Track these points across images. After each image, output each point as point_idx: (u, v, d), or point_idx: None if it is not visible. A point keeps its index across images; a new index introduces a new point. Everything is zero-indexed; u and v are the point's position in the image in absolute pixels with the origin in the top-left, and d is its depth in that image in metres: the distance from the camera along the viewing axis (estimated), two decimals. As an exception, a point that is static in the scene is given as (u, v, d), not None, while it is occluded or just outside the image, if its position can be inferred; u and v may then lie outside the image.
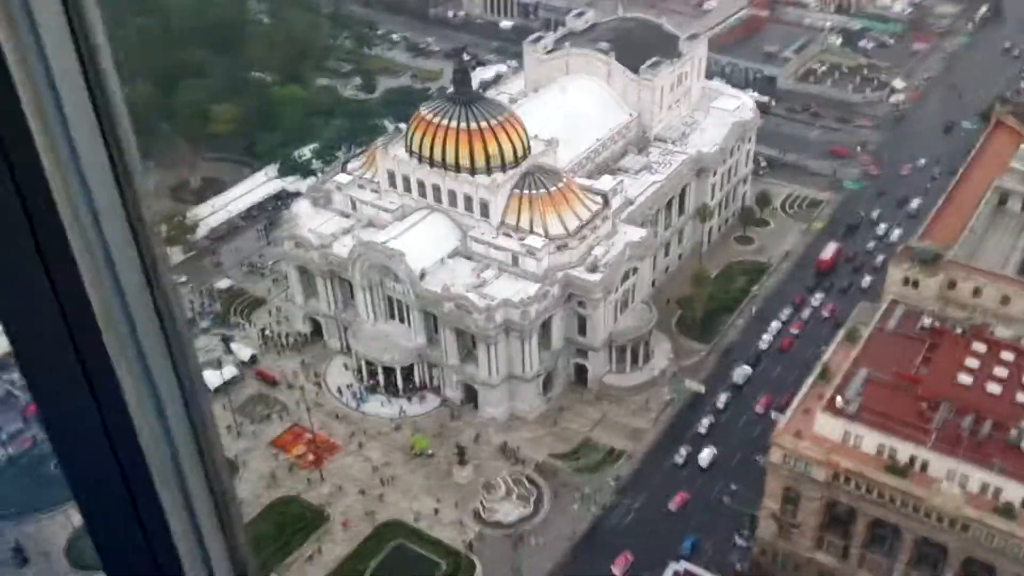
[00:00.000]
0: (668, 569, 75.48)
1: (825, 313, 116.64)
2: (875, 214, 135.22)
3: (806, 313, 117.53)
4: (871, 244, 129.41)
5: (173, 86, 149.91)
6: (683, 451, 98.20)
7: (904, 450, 73.42)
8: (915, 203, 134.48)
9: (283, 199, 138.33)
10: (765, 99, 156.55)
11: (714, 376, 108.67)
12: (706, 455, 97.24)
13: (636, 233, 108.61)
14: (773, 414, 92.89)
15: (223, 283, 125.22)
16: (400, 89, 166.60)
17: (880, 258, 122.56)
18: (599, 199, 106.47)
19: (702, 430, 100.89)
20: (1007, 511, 69.37)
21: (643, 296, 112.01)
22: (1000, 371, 77.14)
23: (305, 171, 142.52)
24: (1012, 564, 69.92)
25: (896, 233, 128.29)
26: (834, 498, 76.88)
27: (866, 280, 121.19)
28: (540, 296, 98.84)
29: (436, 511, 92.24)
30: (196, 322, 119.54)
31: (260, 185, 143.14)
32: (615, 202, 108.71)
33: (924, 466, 72.80)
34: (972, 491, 71.07)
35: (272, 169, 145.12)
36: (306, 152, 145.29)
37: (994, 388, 75.62)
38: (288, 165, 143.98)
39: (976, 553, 71.47)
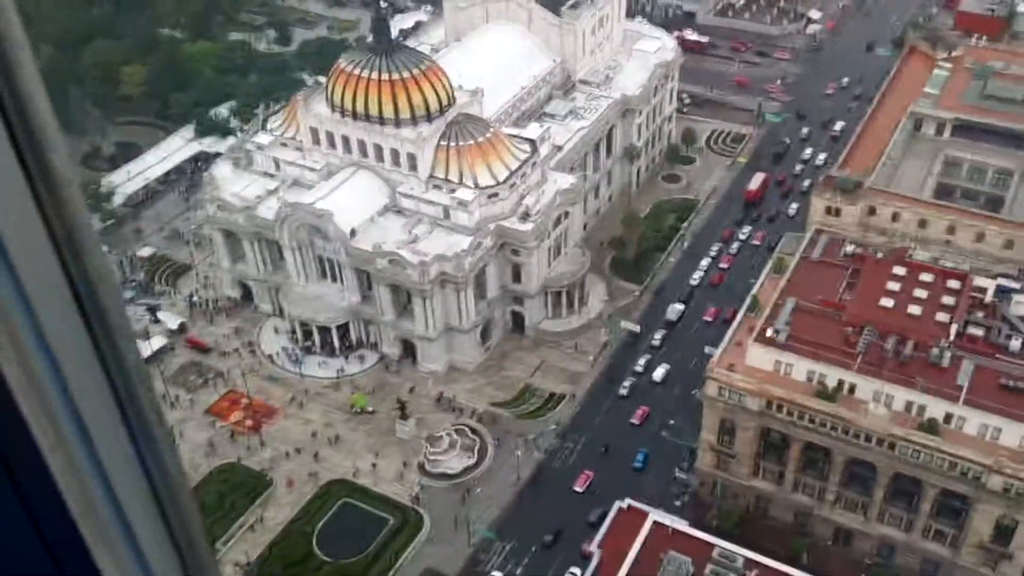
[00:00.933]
0: (614, 506, 77.08)
1: (756, 242, 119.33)
2: (804, 131, 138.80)
3: (735, 247, 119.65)
4: (798, 168, 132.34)
5: (79, 48, 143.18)
6: (627, 383, 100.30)
7: (832, 375, 75.77)
8: (839, 125, 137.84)
9: (202, 161, 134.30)
10: (704, 39, 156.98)
11: (648, 315, 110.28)
12: (660, 372, 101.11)
13: (566, 180, 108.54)
14: (707, 349, 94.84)
15: (145, 251, 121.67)
16: (317, 41, 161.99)
17: (807, 183, 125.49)
18: (527, 147, 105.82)
19: (639, 368, 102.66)
20: (930, 427, 72.35)
21: (575, 240, 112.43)
22: (920, 293, 79.78)
23: (223, 131, 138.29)
24: (936, 477, 73.21)
25: (821, 157, 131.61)
26: (768, 426, 79.19)
27: (793, 207, 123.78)
28: (473, 248, 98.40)
29: (375, 466, 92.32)
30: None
31: (177, 148, 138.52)
32: (543, 149, 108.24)
33: (852, 389, 75.31)
34: (897, 410, 73.88)
35: (188, 131, 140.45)
36: (223, 111, 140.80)
37: (915, 309, 78.26)
38: (205, 125, 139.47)
39: (903, 469, 74.59)
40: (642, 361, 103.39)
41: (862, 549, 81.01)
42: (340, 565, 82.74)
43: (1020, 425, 70.15)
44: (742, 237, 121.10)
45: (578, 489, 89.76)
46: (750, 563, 63.52)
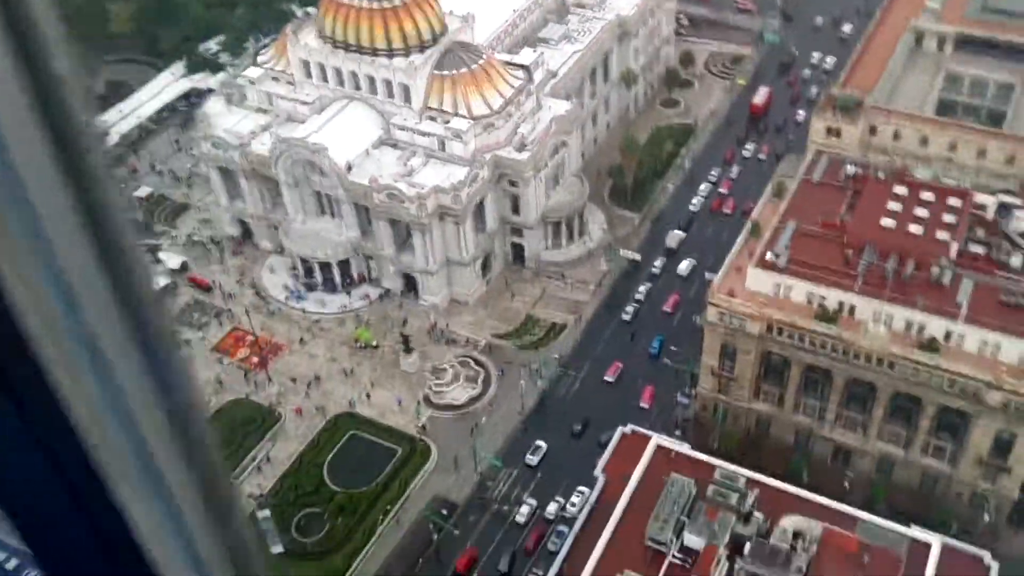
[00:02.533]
0: (616, 431, 78.11)
1: (761, 156, 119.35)
2: (818, 21, 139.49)
3: (735, 171, 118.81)
4: (807, 73, 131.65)
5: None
6: (629, 309, 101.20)
7: (832, 297, 75.99)
8: (847, 27, 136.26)
9: (194, 98, 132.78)
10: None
11: (648, 242, 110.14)
12: (684, 265, 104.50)
13: (561, 106, 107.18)
14: (707, 275, 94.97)
15: (142, 191, 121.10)
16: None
17: (814, 89, 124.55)
18: (521, 74, 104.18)
19: (640, 296, 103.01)
20: (930, 345, 72.84)
21: (574, 169, 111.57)
22: (921, 212, 79.44)
23: (214, 66, 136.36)
24: (936, 394, 74.02)
25: (830, 60, 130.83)
26: (768, 349, 79.75)
27: (801, 114, 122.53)
28: (470, 180, 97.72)
29: (369, 397, 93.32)
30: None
31: (168, 85, 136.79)
32: (537, 75, 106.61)
33: (852, 310, 75.61)
34: (897, 330, 74.30)
35: (179, 67, 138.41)
36: (212, 46, 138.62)
37: (915, 228, 78.03)
38: (195, 61, 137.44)
39: (902, 388, 75.36)
40: (642, 289, 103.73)
41: (861, 466, 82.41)
42: (351, 495, 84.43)
43: (1019, 341, 70.63)
44: (746, 154, 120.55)
45: (609, 379, 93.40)
46: (752, 483, 64.49)
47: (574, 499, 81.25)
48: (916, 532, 61.47)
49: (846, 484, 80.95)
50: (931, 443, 78.06)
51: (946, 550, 60.43)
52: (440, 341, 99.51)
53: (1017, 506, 77.93)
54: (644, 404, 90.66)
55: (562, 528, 78.18)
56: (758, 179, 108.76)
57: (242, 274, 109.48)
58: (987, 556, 61.72)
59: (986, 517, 77.78)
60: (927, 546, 60.05)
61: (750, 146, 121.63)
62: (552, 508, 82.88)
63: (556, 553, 67.99)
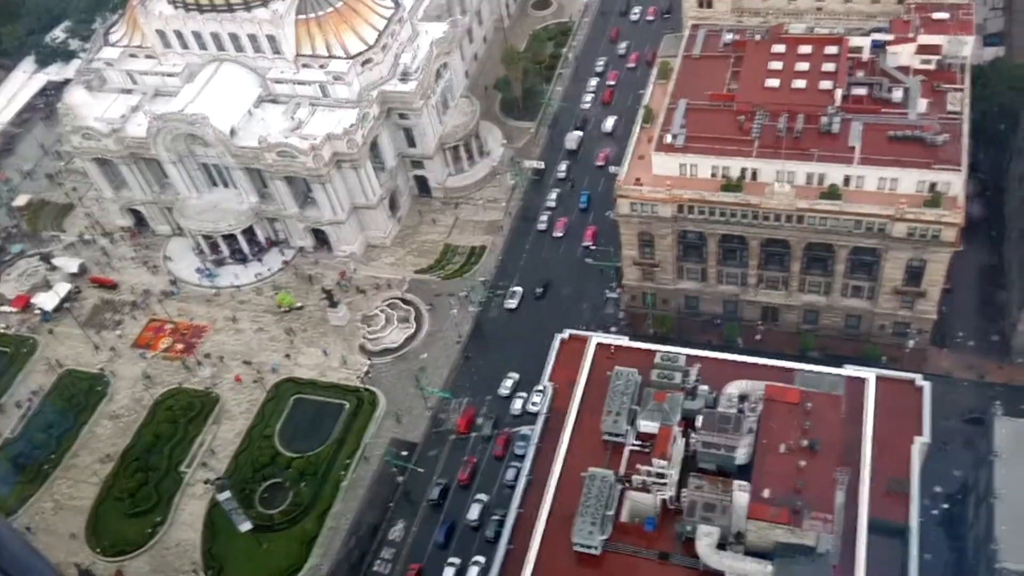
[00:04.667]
0: (555, 338, 78.87)
1: (650, 17, 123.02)
2: None
3: (623, 46, 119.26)
4: None
5: None
6: (543, 219, 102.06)
7: (734, 166, 77.39)
8: None
9: (51, 92, 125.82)
10: None
11: (549, 148, 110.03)
12: (609, 122, 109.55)
13: (437, 28, 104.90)
14: (612, 168, 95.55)
15: (21, 199, 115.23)
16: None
17: None
18: (389, 3, 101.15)
19: (551, 203, 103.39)
20: (832, 192, 75.15)
21: (461, 90, 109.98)
22: (801, 66, 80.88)
23: (65, 55, 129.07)
24: (845, 238, 76.72)
25: None
26: (683, 229, 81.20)
27: None
28: (360, 120, 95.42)
29: (289, 357, 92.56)
30: (5, 248, 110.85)
31: (22, 85, 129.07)
32: (407, 1, 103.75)
33: (754, 175, 77.23)
34: (799, 184, 76.32)
35: (28, 63, 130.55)
36: (59, 34, 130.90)
37: (799, 83, 79.55)
38: (44, 53, 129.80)
39: (814, 238, 77.84)
40: (553, 195, 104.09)
41: (789, 320, 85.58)
42: (308, 458, 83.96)
43: (913, 171, 73.32)
44: (634, 18, 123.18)
45: (558, 234, 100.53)
46: (692, 359, 66.28)
47: (534, 398, 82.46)
48: (850, 371, 64.26)
49: (757, 336, 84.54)
50: (849, 285, 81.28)
51: (880, 381, 63.36)
52: (348, 290, 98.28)
53: (937, 326, 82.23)
54: (587, 243, 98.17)
55: (526, 431, 79.13)
56: (652, 38, 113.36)
57: (150, 265, 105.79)
58: (918, 378, 65.06)
59: (911, 343, 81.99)
60: (863, 381, 62.91)
61: (637, 10, 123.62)
62: (517, 404, 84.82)
63: (523, 456, 69.32)
